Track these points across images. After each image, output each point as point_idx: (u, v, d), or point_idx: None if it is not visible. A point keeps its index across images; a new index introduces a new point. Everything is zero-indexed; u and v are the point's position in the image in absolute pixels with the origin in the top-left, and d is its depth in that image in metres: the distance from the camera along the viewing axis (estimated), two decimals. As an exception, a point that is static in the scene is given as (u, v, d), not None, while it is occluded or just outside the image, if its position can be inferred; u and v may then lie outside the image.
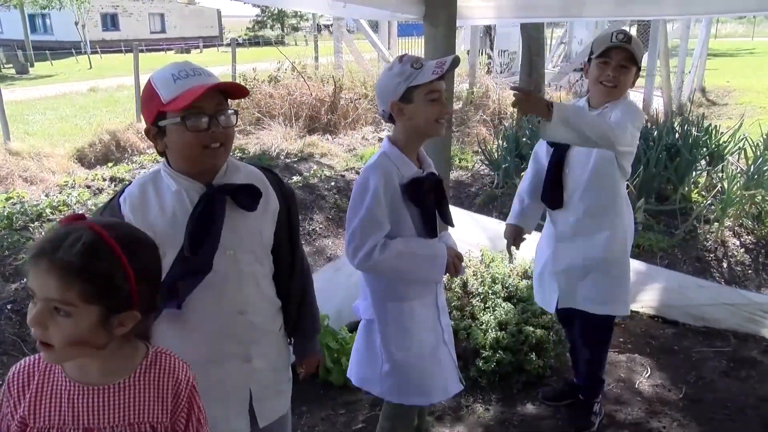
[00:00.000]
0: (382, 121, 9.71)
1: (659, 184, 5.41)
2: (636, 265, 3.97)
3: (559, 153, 2.52)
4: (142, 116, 1.57)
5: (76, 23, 30.81)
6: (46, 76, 22.36)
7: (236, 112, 1.51)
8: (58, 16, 32.61)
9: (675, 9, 3.06)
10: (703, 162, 6.02)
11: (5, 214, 5.02)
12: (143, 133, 1.55)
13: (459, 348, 3.18)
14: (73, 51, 28.56)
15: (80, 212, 1.11)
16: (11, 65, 23.64)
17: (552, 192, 2.56)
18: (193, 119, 1.42)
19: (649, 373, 3.21)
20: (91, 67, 25.12)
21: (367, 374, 2.09)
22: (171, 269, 1.47)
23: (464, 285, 3.59)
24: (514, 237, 2.75)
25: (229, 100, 1.52)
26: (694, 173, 5.74)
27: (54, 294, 1.04)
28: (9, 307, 3.63)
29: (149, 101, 1.46)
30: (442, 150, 3.32)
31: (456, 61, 1.86)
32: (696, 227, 4.89)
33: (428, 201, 1.93)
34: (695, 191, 5.62)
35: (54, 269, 1.03)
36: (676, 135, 5.99)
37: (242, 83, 10.02)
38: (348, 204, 1.95)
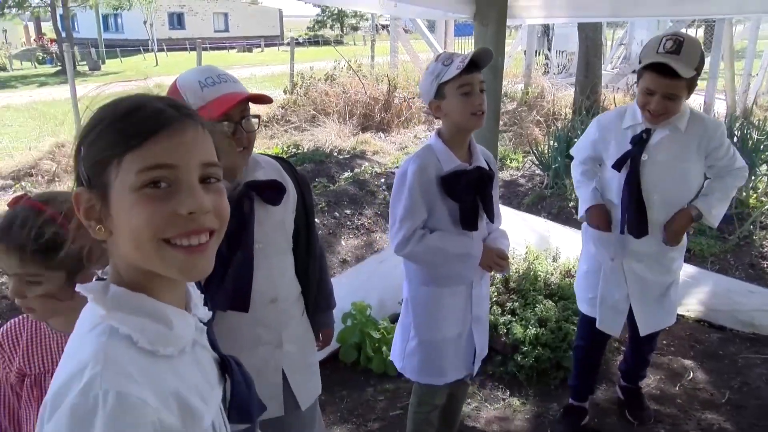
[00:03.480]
0: (434, 119, 9.78)
1: (715, 188, 5.28)
2: (684, 268, 3.92)
3: (633, 177, 2.31)
4: None
5: (145, 22, 32.10)
6: (115, 72, 23.39)
7: (258, 117, 1.58)
8: (129, 16, 34.05)
9: (731, 7, 3.01)
10: (764, 167, 5.83)
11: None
12: None
13: (498, 343, 3.25)
14: (141, 49, 29.75)
15: (20, 193, 1.27)
16: (85, 62, 24.83)
17: (639, 222, 2.33)
18: (231, 128, 1.50)
19: (691, 376, 3.17)
20: (157, 64, 26.12)
21: (396, 349, 2.23)
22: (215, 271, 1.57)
23: (506, 281, 3.63)
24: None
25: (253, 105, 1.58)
26: (753, 178, 5.57)
27: (19, 270, 1.19)
28: None
29: None
30: (488, 147, 3.36)
31: (483, 54, 1.87)
32: (751, 233, 4.76)
33: (466, 195, 1.96)
34: (754, 196, 5.45)
35: (11, 250, 1.18)
36: (735, 138, 5.82)
37: (299, 81, 10.29)
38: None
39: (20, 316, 1.36)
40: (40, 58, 26.95)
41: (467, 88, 1.87)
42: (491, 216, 2.05)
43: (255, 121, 1.58)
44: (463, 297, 2.10)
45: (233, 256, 1.55)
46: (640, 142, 2.29)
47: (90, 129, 0.79)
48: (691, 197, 2.42)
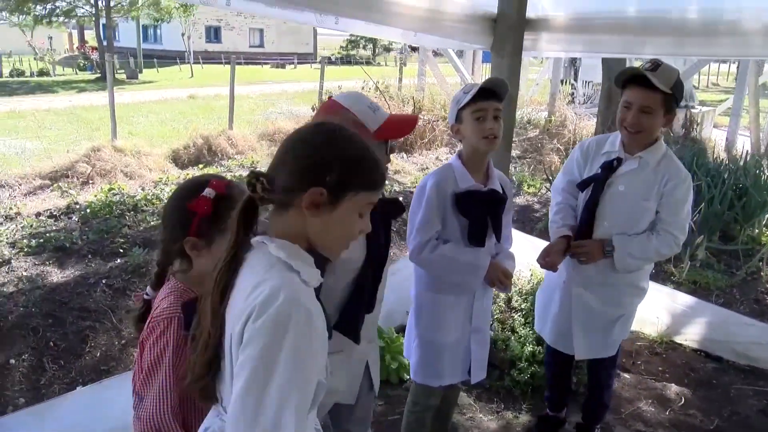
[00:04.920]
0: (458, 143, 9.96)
1: (725, 223, 5.37)
2: (682, 298, 4.02)
3: (591, 201, 2.42)
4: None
5: (183, 34, 32.94)
6: (151, 81, 24.08)
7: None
8: (168, 28, 34.97)
9: (731, 50, 3.16)
10: (778, 205, 5.90)
11: (107, 202, 5.65)
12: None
13: (496, 358, 3.38)
14: (178, 60, 30.53)
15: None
16: (123, 71, 25.61)
17: (584, 237, 2.43)
18: (385, 147, 1.78)
19: (682, 402, 3.27)
20: (192, 75, 26.77)
21: (407, 348, 2.44)
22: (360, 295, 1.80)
23: (509, 300, 3.78)
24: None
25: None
26: (767, 216, 5.64)
27: None
28: (104, 281, 4.15)
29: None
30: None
31: (494, 84, 2.08)
32: (759, 269, 4.83)
33: (476, 213, 2.14)
34: (766, 233, 5.52)
35: None
36: (747, 177, 5.91)
37: (325, 99, 10.57)
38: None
39: (173, 301, 1.40)
40: (81, 64, 27.82)
41: (480, 114, 2.07)
42: (499, 236, 2.22)
43: None
44: (463, 308, 2.27)
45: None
46: (609, 168, 2.38)
47: (354, 160, 1.16)
48: (637, 233, 2.39)
